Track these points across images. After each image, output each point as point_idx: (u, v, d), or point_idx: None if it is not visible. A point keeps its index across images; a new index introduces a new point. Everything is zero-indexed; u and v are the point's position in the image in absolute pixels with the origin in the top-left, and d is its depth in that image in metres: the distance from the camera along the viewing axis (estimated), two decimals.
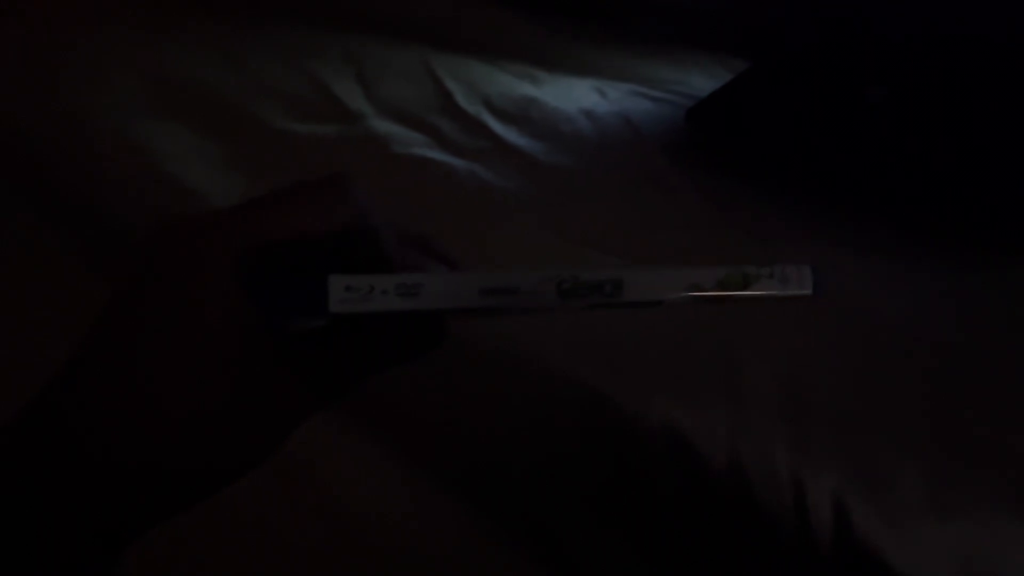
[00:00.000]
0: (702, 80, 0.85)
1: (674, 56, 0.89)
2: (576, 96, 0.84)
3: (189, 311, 0.27)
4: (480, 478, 0.66)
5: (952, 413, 0.54)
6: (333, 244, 0.28)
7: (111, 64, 0.88)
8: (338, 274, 0.27)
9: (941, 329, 0.60)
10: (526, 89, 0.85)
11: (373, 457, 0.68)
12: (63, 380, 0.27)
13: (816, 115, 0.75)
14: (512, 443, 0.63)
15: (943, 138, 0.70)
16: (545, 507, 0.63)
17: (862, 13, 0.79)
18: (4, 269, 0.81)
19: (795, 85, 0.78)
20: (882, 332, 0.60)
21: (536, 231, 0.69)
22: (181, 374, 0.26)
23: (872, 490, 0.51)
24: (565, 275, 0.27)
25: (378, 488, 0.67)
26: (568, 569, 0.63)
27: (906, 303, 0.62)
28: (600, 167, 0.76)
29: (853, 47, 0.77)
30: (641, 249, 0.67)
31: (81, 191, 0.82)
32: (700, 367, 0.58)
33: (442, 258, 0.32)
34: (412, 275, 0.28)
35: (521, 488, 0.64)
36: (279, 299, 0.28)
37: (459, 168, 0.75)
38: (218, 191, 0.73)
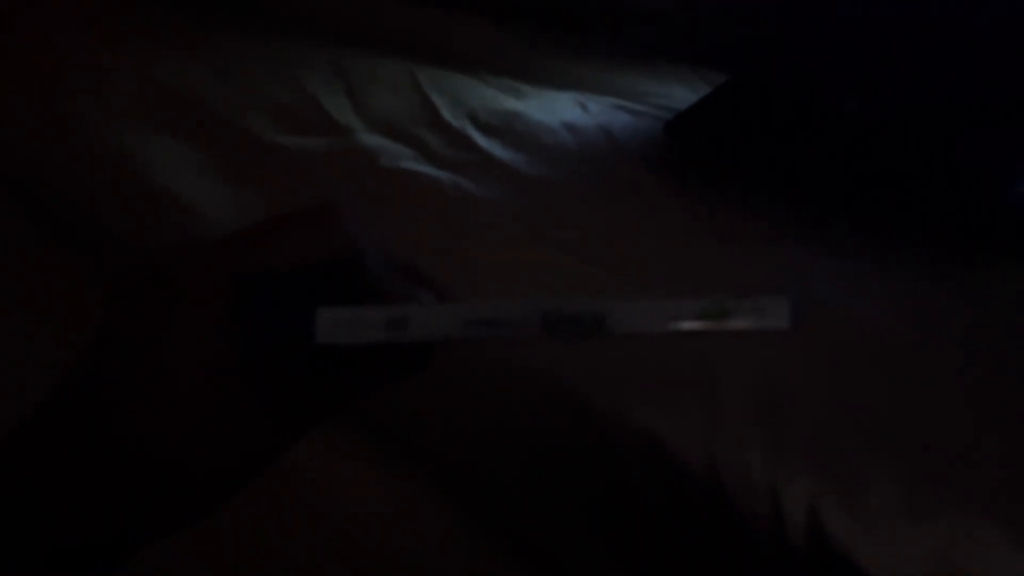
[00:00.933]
0: (682, 93, 0.86)
1: (654, 69, 0.90)
2: (558, 109, 0.84)
3: (180, 338, 0.27)
4: (465, 481, 0.67)
5: (925, 416, 0.55)
6: (322, 273, 0.29)
7: (106, 76, 0.88)
8: (326, 307, 0.28)
9: (914, 333, 0.60)
10: (510, 103, 0.85)
11: (364, 460, 0.69)
12: (60, 391, 0.28)
13: (794, 125, 0.75)
14: (495, 447, 0.64)
15: (921, 146, 0.71)
16: (528, 509, 0.65)
17: (841, 23, 0.79)
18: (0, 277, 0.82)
19: (773, 96, 0.79)
20: (857, 337, 0.60)
21: (519, 241, 0.70)
22: (171, 399, 0.27)
23: (846, 494, 0.51)
24: (549, 307, 0.28)
25: (369, 491, 0.69)
26: (552, 571, 0.64)
27: (881, 309, 0.62)
28: (582, 179, 0.77)
29: (831, 57, 0.77)
30: (622, 259, 0.68)
31: (75, 201, 0.83)
32: (676, 371, 0.59)
33: (429, 284, 0.32)
34: (398, 308, 0.28)
35: (504, 490, 0.65)
36: (267, 330, 0.28)
37: (444, 181, 0.76)
38: (209, 203, 0.74)
